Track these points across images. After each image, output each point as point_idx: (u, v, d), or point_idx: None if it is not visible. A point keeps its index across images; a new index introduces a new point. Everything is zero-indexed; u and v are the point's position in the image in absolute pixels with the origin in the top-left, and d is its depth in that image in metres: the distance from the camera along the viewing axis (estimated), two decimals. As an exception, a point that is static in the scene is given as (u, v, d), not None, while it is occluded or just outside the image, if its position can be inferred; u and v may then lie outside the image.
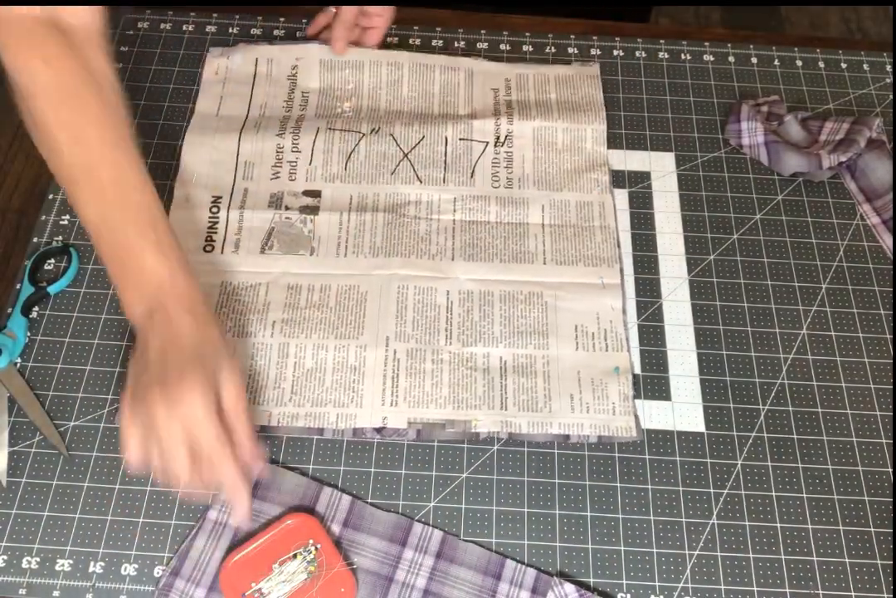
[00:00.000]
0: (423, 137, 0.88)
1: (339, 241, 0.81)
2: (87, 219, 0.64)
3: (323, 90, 0.91)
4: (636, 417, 0.73)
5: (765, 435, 0.74)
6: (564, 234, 0.83)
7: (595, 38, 0.98)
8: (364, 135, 0.88)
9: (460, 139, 0.88)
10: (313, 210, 0.83)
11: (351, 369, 0.74)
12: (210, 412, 0.59)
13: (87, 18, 0.68)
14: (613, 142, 0.90)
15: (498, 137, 0.89)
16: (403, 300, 0.78)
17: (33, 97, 0.63)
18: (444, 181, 0.86)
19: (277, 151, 0.86)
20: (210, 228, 0.81)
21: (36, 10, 0.65)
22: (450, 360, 0.75)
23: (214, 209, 0.82)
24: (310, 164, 0.86)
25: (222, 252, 0.80)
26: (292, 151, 0.86)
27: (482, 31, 0.97)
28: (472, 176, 0.86)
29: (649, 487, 0.71)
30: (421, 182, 0.85)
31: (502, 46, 0.96)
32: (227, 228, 0.82)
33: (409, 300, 0.78)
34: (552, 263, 0.81)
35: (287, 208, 0.83)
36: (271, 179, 0.84)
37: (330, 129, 0.88)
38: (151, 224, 0.64)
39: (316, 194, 0.84)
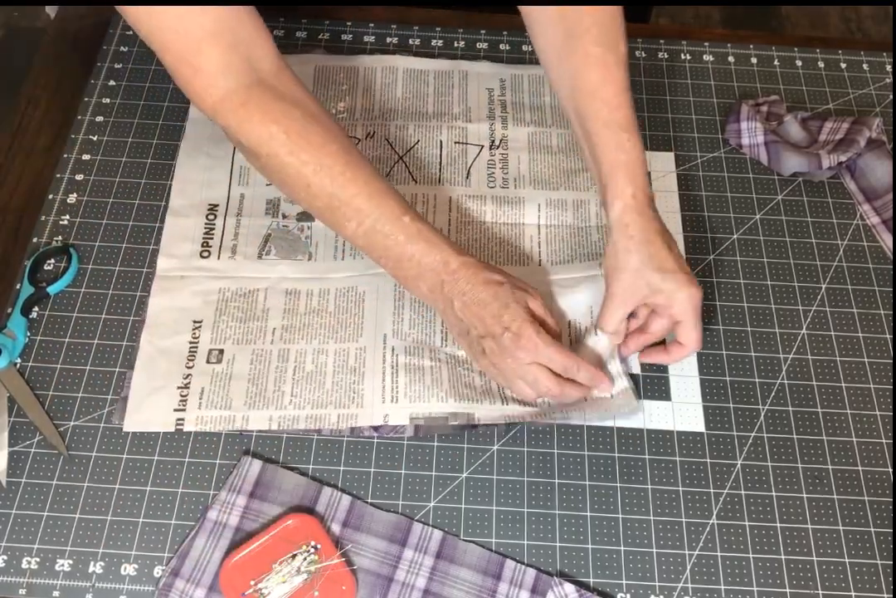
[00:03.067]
0: (418, 140, 0.88)
1: (337, 244, 0.81)
2: (351, 234, 0.71)
3: (317, 91, 0.91)
4: (633, 390, 0.73)
5: (765, 435, 0.74)
6: (560, 234, 0.83)
7: (595, 38, 0.97)
8: (360, 140, 0.88)
9: (455, 142, 0.88)
10: (310, 217, 0.83)
11: (351, 371, 0.74)
12: (548, 342, 0.68)
13: (275, 59, 0.70)
14: (613, 142, 0.90)
15: (493, 141, 0.89)
16: (400, 298, 0.78)
17: (275, 155, 0.69)
18: (439, 182, 0.86)
19: None
20: (206, 233, 0.81)
21: (242, 77, 0.68)
22: (447, 360, 0.75)
23: (211, 217, 0.82)
24: None
25: (219, 258, 0.80)
26: None
27: (482, 31, 0.97)
28: (467, 176, 0.86)
29: (649, 487, 0.71)
30: (416, 182, 0.85)
31: (502, 46, 0.96)
32: (223, 234, 0.81)
33: (405, 299, 0.78)
34: (548, 264, 0.81)
35: (284, 216, 0.83)
36: (267, 184, 0.84)
37: None
38: (413, 224, 0.70)
39: None
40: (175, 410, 0.72)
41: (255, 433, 0.72)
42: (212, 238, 0.81)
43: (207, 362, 0.74)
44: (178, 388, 0.73)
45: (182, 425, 0.71)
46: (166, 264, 0.79)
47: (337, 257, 0.80)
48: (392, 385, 0.73)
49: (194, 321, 0.76)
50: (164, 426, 0.71)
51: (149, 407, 0.72)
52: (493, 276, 0.70)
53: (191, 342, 0.75)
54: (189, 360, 0.75)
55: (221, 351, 0.75)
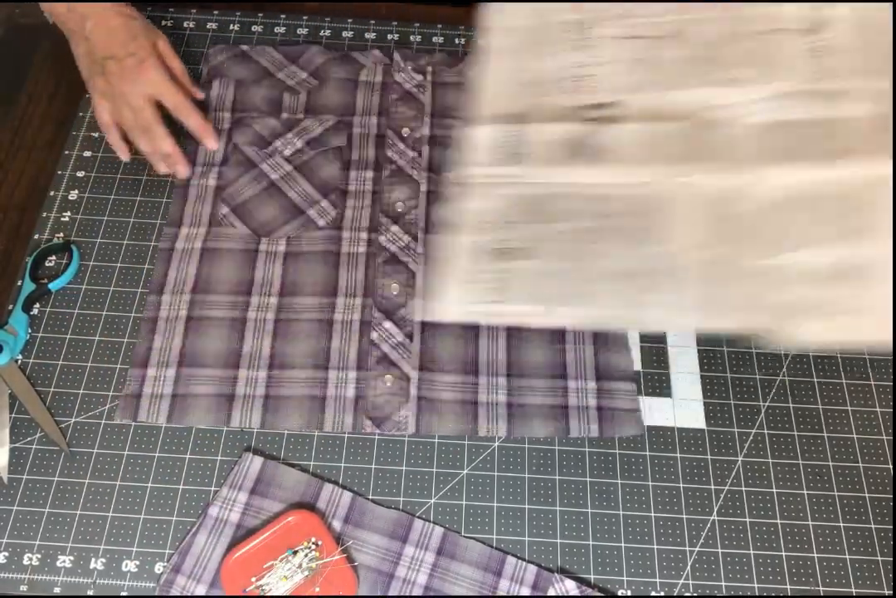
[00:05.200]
0: (729, 34, 0.82)
1: (641, 149, 0.79)
2: None
3: None
4: (638, 411, 0.73)
5: (765, 432, 0.74)
6: None
7: (596, 34, 0.97)
8: (663, 37, 0.83)
9: (770, 30, 0.82)
10: (614, 120, 0.81)
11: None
12: (168, 77, 0.79)
13: None
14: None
15: (813, 26, 0.81)
16: (723, 204, 0.74)
17: None
18: (751, 81, 0.80)
19: (573, 67, 0.84)
20: (508, 142, 0.79)
21: None
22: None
23: (514, 124, 0.80)
24: (609, 74, 0.82)
25: (522, 165, 0.78)
26: (589, 67, 0.83)
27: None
28: (781, 71, 0.79)
29: (650, 483, 0.71)
30: (726, 85, 0.81)
31: (503, 43, 0.96)
32: (525, 141, 0.80)
33: (724, 207, 0.73)
34: None
35: (588, 120, 0.81)
36: (569, 92, 0.82)
37: (626, 37, 0.84)
38: None
39: (612, 106, 0.82)
40: (472, 302, 0.70)
41: (255, 430, 0.72)
42: (514, 146, 0.80)
43: (509, 259, 0.73)
44: (475, 283, 0.71)
45: (478, 315, 0.71)
46: (471, 171, 0.78)
47: (640, 162, 0.77)
48: None
49: (494, 221, 0.75)
50: (459, 316, 0.70)
51: (446, 299, 0.71)
52: (127, 9, 0.80)
53: (491, 241, 0.74)
54: (488, 256, 0.73)
55: (522, 249, 0.73)
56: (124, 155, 0.83)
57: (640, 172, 0.76)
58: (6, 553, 0.67)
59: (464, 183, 0.78)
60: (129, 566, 0.66)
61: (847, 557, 0.69)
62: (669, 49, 0.81)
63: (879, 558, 0.69)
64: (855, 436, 0.74)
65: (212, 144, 0.84)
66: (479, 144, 0.79)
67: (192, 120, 0.81)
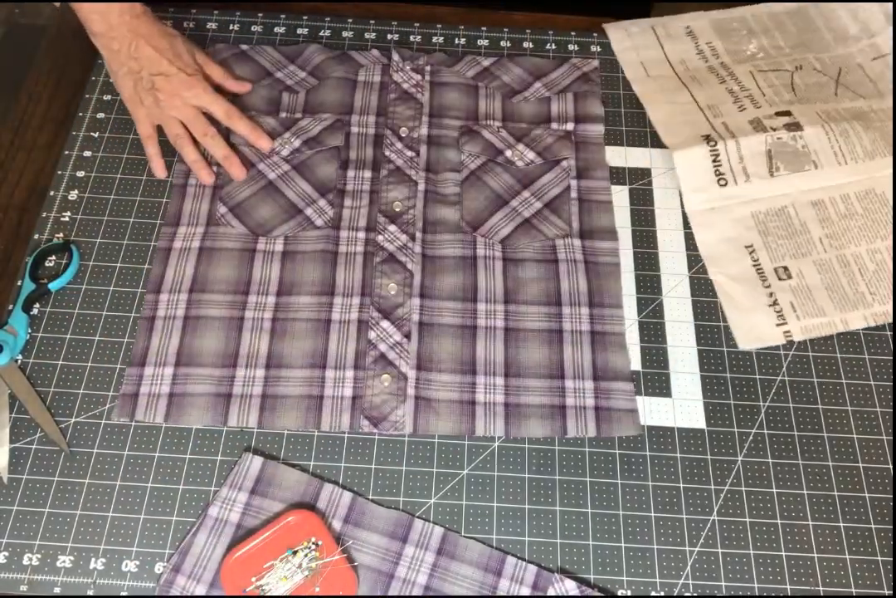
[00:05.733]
0: (840, 64, 0.93)
1: (834, 150, 0.85)
2: None
3: (722, 36, 0.97)
4: (635, 412, 0.73)
5: (765, 432, 0.74)
6: None
7: (595, 34, 0.97)
8: (792, 71, 0.93)
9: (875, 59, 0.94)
10: (797, 126, 0.87)
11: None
12: (213, 90, 0.84)
13: None
14: (613, 139, 0.90)
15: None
16: None
17: None
18: (878, 94, 0.91)
19: (731, 93, 0.92)
20: (714, 161, 0.86)
21: None
22: None
23: (712, 143, 0.86)
24: (763, 96, 0.91)
25: (737, 184, 0.85)
26: (742, 91, 0.92)
27: (483, 28, 0.97)
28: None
29: (650, 483, 0.71)
30: (863, 97, 0.90)
31: (503, 43, 0.96)
32: (729, 158, 0.86)
33: None
34: None
35: (773, 129, 0.87)
36: (740, 111, 0.89)
37: (760, 71, 0.94)
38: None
39: (787, 114, 0.88)
40: (777, 325, 0.78)
41: (255, 430, 0.72)
42: (721, 165, 0.85)
43: (779, 279, 0.80)
44: (769, 306, 0.78)
45: (790, 336, 0.77)
46: (695, 199, 0.85)
47: (840, 162, 0.85)
48: None
49: (746, 246, 0.82)
50: (774, 340, 0.77)
51: (753, 327, 0.78)
52: (169, 28, 0.85)
53: (754, 265, 0.81)
54: (762, 280, 0.80)
55: (786, 267, 0.80)
56: (160, 169, 0.84)
57: (846, 171, 0.85)
58: (6, 553, 0.67)
59: (695, 212, 0.85)
60: (129, 566, 0.66)
61: (847, 557, 0.69)
62: (799, 77, 0.93)
63: (879, 558, 0.69)
64: (855, 436, 0.74)
65: (266, 145, 0.85)
66: (689, 170, 0.86)
67: (243, 125, 0.84)
